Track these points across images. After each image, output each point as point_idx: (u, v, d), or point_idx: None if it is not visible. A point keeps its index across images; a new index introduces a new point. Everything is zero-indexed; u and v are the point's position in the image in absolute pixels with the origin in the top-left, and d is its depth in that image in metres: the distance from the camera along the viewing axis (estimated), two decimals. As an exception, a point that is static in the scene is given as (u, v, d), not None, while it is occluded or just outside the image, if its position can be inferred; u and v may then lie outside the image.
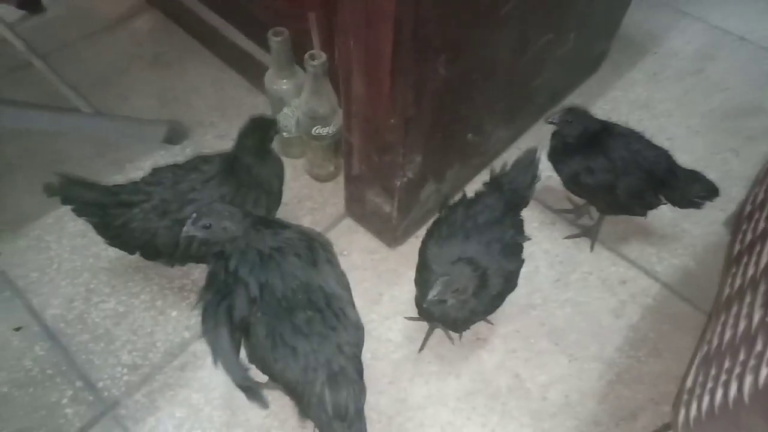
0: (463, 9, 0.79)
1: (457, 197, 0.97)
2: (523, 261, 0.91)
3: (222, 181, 0.95)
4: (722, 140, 1.38)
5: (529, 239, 0.94)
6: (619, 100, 1.47)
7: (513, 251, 0.89)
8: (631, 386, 1.00)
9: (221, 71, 1.47)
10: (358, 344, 0.79)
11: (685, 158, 1.09)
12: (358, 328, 0.79)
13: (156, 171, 0.98)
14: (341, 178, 1.25)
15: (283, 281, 0.76)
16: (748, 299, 0.74)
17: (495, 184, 0.96)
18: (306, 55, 1.00)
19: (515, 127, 1.29)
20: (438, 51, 0.80)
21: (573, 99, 1.45)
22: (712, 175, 1.06)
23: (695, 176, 1.05)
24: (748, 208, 1.01)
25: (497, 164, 1.29)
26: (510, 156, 1.32)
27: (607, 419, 0.97)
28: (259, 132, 0.97)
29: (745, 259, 0.87)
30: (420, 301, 0.90)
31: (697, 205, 1.06)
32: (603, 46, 1.46)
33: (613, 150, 1.02)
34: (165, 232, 0.93)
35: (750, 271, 0.80)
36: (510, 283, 0.88)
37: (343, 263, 1.15)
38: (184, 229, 0.76)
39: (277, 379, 0.78)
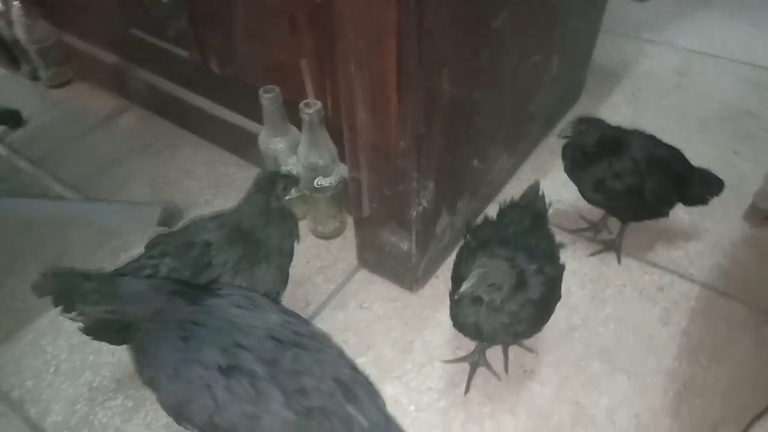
0: (460, 20, 0.80)
1: (480, 219, 0.93)
2: (563, 267, 0.85)
3: (231, 242, 0.89)
4: (721, 143, 1.39)
5: (564, 246, 0.89)
6: (608, 122, 1.48)
7: (551, 257, 0.83)
8: (703, 395, 0.92)
9: (211, 152, 1.46)
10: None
11: (692, 162, 1.09)
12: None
13: (152, 244, 0.91)
14: (348, 233, 1.21)
15: (248, 337, 0.69)
16: None
17: (513, 204, 0.93)
18: (301, 105, 1.00)
19: (515, 155, 1.28)
20: (441, 64, 0.79)
21: (562, 126, 1.46)
22: (720, 175, 1.06)
23: (704, 172, 1.06)
24: None
25: (503, 197, 1.28)
26: (513, 187, 1.31)
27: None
28: (264, 191, 0.93)
29: None
30: (456, 316, 0.83)
31: (704, 201, 1.06)
32: (581, 75, 1.50)
33: (634, 151, 0.99)
34: None
35: None
36: (553, 290, 0.81)
37: (366, 316, 1.08)
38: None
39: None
